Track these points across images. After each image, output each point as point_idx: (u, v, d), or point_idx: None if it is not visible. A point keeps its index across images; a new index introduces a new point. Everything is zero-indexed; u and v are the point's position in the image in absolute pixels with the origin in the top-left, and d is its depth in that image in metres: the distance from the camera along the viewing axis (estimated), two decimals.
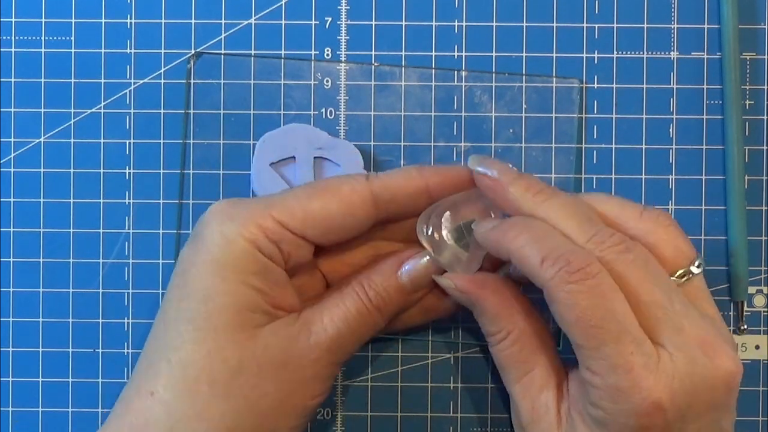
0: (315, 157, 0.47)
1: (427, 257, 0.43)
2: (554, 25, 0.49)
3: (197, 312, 0.39)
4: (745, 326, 0.48)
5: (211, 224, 0.39)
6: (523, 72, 0.48)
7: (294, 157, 0.47)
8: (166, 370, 0.39)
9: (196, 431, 0.38)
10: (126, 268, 0.49)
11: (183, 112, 0.48)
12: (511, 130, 0.48)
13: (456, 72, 0.48)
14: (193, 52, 0.48)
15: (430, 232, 0.42)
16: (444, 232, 0.42)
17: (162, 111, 0.49)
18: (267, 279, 0.39)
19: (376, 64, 0.48)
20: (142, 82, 0.49)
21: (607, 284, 0.37)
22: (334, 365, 0.41)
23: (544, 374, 0.41)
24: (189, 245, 0.40)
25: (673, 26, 0.49)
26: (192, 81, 0.48)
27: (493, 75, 0.48)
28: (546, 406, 0.41)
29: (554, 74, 0.48)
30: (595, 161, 0.48)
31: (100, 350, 0.49)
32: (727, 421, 0.39)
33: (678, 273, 0.41)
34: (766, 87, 0.49)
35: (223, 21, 0.49)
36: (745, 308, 0.48)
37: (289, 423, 0.40)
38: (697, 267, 0.41)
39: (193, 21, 0.49)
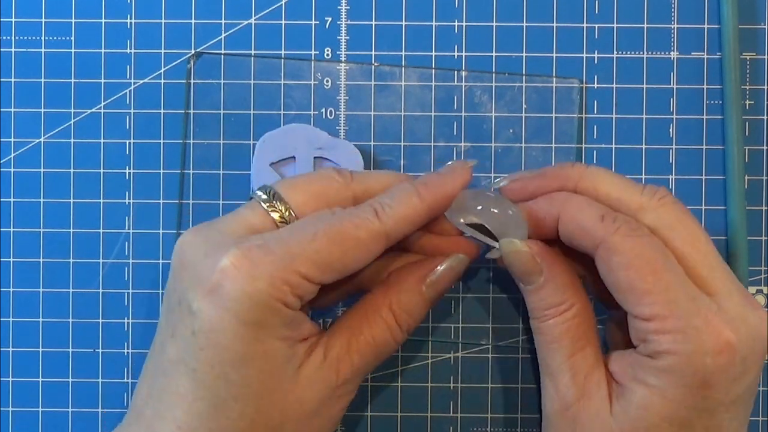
0: (315, 157, 0.47)
1: (447, 263, 0.42)
2: (554, 25, 0.49)
3: (234, 379, 0.38)
4: None
5: (235, 283, 0.37)
6: (523, 72, 0.48)
7: (294, 157, 0.47)
8: None
9: None
10: (126, 268, 0.49)
11: (183, 112, 0.48)
12: (511, 130, 0.48)
13: (456, 72, 0.48)
14: (193, 52, 0.48)
15: (491, 209, 0.42)
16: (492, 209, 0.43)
17: (162, 111, 0.49)
18: (292, 325, 0.39)
19: (376, 64, 0.48)
20: (142, 82, 0.49)
21: (661, 243, 0.40)
22: (357, 390, 0.42)
23: (596, 352, 0.42)
24: (207, 300, 0.38)
25: (673, 26, 0.49)
26: (192, 81, 0.48)
27: (493, 75, 0.48)
28: (598, 382, 0.41)
29: (554, 74, 0.48)
30: (595, 161, 0.48)
31: (100, 350, 0.49)
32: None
33: None
34: (766, 87, 0.49)
35: (223, 21, 0.49)
36: None
37: None
38: None
39: (193, 21, 0.49)
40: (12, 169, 0.49)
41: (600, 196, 0.42)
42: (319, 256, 0.38)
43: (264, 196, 0.41)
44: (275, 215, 0.40)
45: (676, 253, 0.40)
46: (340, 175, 0.42)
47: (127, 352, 0.49)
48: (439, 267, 0.42)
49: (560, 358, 0.41)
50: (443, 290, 0.43)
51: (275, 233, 0.39)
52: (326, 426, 0.41)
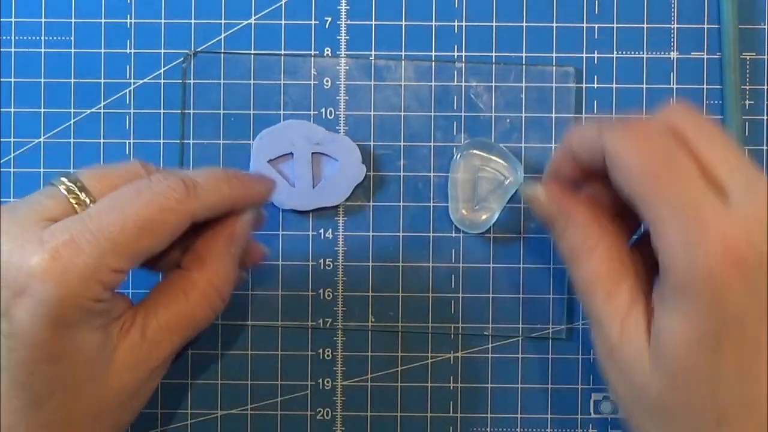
0: (313, 153, 0.47)
1: (246, 217, 0.42)
2: (554, 25, 0.49)
3: (48, 374, 0.36)
4: None
5: (45, 287, 0.35)
6: (523, 62, 0.48)
7: (292, 154, 0.47)
8: None
9: None
10: None
11: (180, 111, 0.48)
12: (508, 120, 0.48)
13: (455, 67, 0.48)
14: (192, 51, 0.48)
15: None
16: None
17: (162, 111, 0.49)
18: (103, 314, 0.37)
19: (373, 58, 0.48)
20: (141, 82, 0.49)
21: (668, 140, 0.37)
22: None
23: (633, 290, 0.39)
24: (16, 303, 0.36)
25: (673, 26, 0.49)
26: (187, 81, 0.48)
27: (493, 66, 0.48)
28: (636, 323, 0.38)
29: (553, 74, 0.48)
30: None
31: None
32: None
33: None
34: (766, 87, 0.49)
35: (222, 21, 0.49)
36: None
37: None
38: None
39: (192, 21, 0.49)
40: (12, 169, 0.49)
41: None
42: (129, 248, 0.37)
43: (68, 184, 0.38)
44: (77, 206, 0.38)
45: (689, 152, 0.37)
46: (146, 169, 0.40)
47: None
48: (241, 222, 0.41)
49: (598, 304, 0.39)
50: (246, 243, 0.42)
51: (80, 222, 0.37)
52: (143, 403, 0.40)
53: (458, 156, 0.48)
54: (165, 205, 0.38)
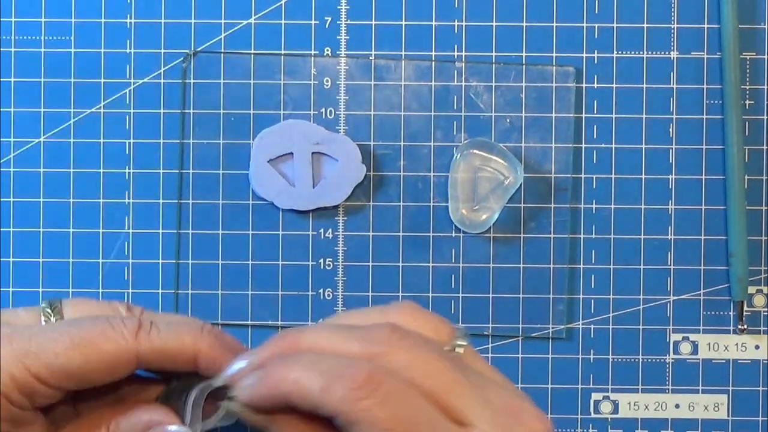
0: (313, 153, 0.47)
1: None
2: (554, 24, 0.49)
3: None
4: (745, 326, 0.48)
5: None
6: (523, 62, 0.48)
7: (292, 153, 0.47)
8: None
9: None
10: (126, 268, 0.49)
11: (180, 111, 0.48)
12: (508, 120, 0.48)
13: (455, 67, 0.48)
14: (192, 51, 0.48)
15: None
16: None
17: (162, 111, 0.49)
18: (15, 423, 0.36)
19: (373, 57, 0.48)
20: (141, 81, 0.49)
21: (398, 385, 0.33)
22: None
23: None
24: None
25: (673, 26, 0.49)
26: (186, 81, 0.48)
27: (493, 66, 0.48)
28: None
29: (553, 74, 0.49)
30: (595, 161, 0.48)
31: None
32: None
33: (446, 349, 0.36)
34: (766, 87, 0.49)
35: (222, 21, 0.49)
36: (745, 308, 0.48)
37: None
38: (463, 339, 0.36)
39: (192, 21, 0.49)
40: (12, 169, 0.49)
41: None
42: (55, 357, 0.35)
43: (47, 305, 0.39)
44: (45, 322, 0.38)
45: (421, 392, 0.33)
46: (130, 310, 0.39)
47: None
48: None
49: None
50: None
51: (29, 327, 0.37)
52: None
53: (458, 156, 0.48)
54: (109, 334, 0.36)
